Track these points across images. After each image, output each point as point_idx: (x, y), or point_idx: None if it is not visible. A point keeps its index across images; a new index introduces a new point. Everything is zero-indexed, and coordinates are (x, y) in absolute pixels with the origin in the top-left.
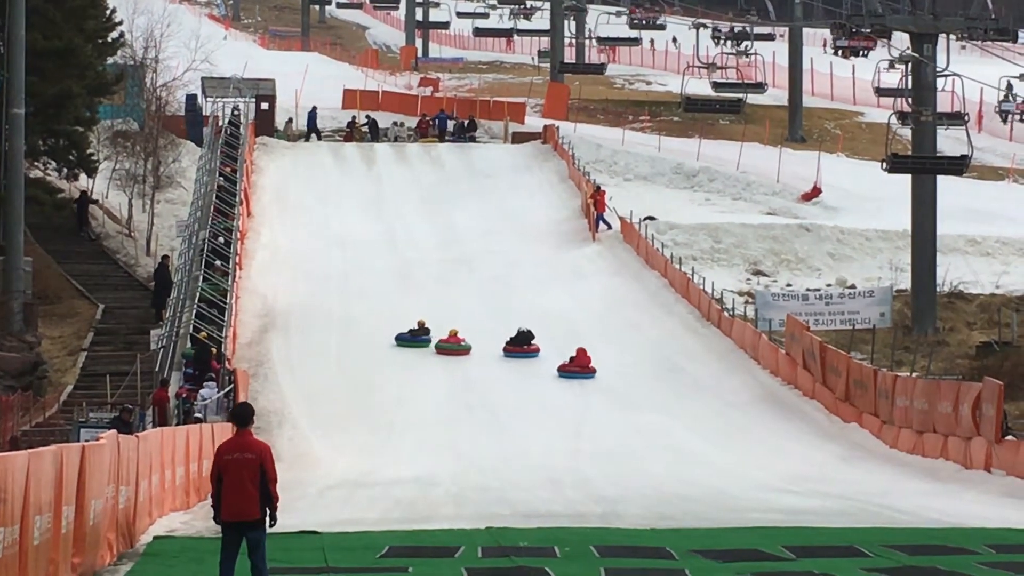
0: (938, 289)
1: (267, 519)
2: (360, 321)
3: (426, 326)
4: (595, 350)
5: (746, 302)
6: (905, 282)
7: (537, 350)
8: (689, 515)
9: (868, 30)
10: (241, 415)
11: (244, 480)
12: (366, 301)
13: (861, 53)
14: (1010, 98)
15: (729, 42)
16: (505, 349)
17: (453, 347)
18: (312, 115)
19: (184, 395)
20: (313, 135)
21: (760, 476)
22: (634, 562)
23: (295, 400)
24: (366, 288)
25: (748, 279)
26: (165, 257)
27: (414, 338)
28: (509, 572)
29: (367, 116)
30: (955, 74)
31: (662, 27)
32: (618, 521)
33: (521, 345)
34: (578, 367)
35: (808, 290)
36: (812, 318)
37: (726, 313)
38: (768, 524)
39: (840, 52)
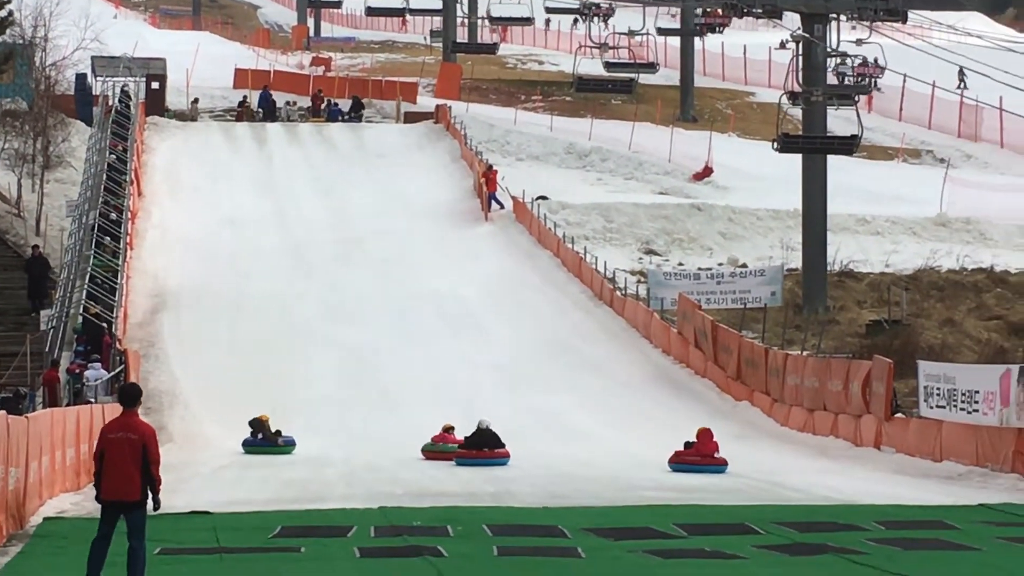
0: (828, 268)
1: (149, 501)
2: (252, 301)
3: (270, 427)
4: (488, 330)
5: (638, 281)
6: (796, 261)
7: (507, 455)
8: (581, 493)
9: (759, 10)
10: (128, 395)
11: (126, 460)
12: (258, 281)
13: (717, 29)
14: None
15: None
16: (461, 454)
17: (444, 449)
18: (265, 95)
19: (76, 371)
20: (269, 115)
21: (652, 454)
22: (527, 540)
23: (186, 380)
24: (258, 268)
25: (640, 258)
26: (35, 248)
27: (264, 443)
28: (402, 551)
29: (265, 87)
30: (844, 54)
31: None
32: (511, 500)
33: (481, 448)
34: (697, 456)
35: (700, 269)
36: (704, 297)
37: (618, 292)
38: (660, 502)
39: (698, 28)
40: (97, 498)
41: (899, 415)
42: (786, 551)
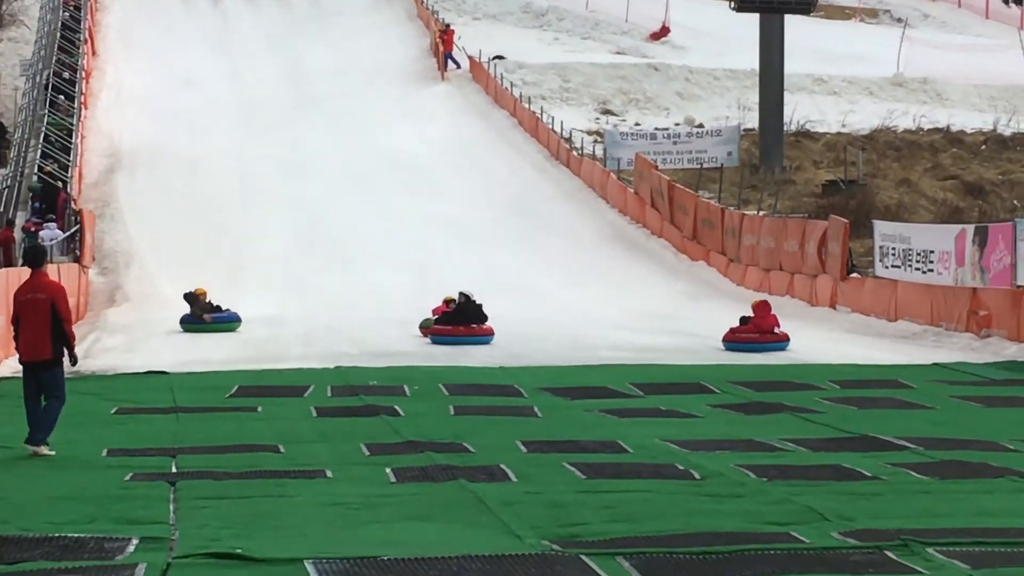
0: (785, 128)
1: (66, 359)
2: (207, 161)
3: (207, 301)
4: (444, 189)
5: (595, 141)
6: (752, 121)
7: (491, 332)
8: (538, 353)
9: None
10: (32, 257)
11: (37, 321)
12: (213, 140)
13: None
14: None
15: None
16: (437, 331)
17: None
18: None
19: (32, 229)
20: None
21: (608, 314)
22: (483, 400)
23: (142, 240)
24: (213, 128)
25: (597, 118)
26: None
27: (196, 321)
28: (359, 410)
29: None
30: None
31: None
32: (467, 360)
33: (467, 323)
34: (756, 333)
35: (656, 129)
36: (660, 157)
37: (575, 152)
38: (616, 362)
39: None
40: (20, 360)
41: (855, 275)
42: (741, 410)
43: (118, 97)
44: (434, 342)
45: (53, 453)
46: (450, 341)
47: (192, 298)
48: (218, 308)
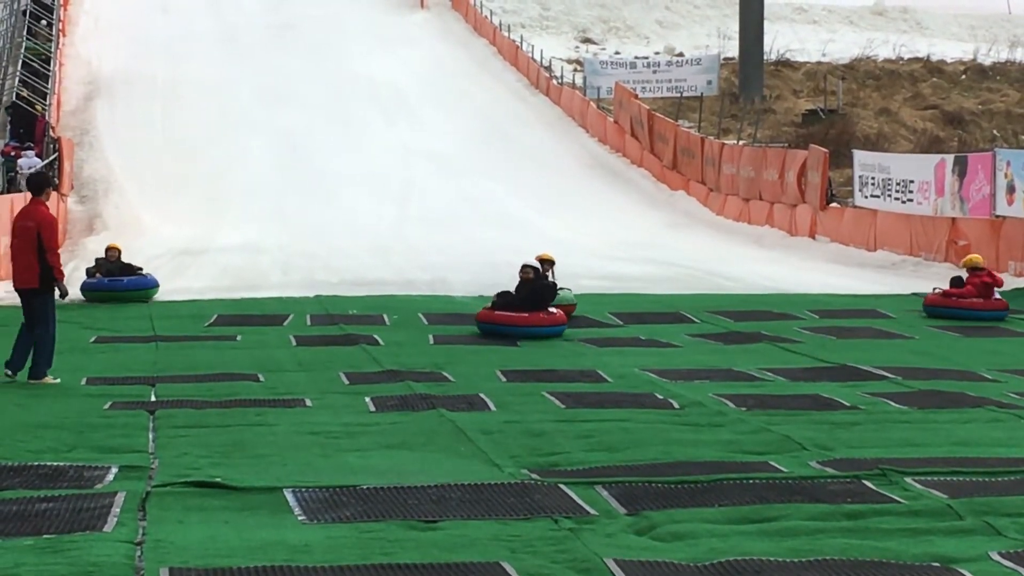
0: (765, 57)
1: (55, 291)
2: (185, 88)
3: (119, 258)
4: (423, 118)
5: (575, 70)
6: (732, 50)
7: (563, 320)
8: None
9: None
10: (33, 183)
11: (25, 248)
12: (191, 67)
13: None
14: None
15: None
16: (501, 318)
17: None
18: None
19: (11, 153)
20: None
21: (588, 243)
22: (463, 329)
23: (121, 168)
24: (191, 54)
25: (577, 47)
26: None
27: (112, 283)
28: (338, 339)
29: None
30: None
31: None
32: (446, 289)
33: (535, 307)
34: (975, 295)
35: (636, 58)
36: (640, 86)
37: (555, 81)
38: (596, 291)
39: None
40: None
41: (834, 204)
42: (720, 339)
43: (96, 24)
44: (482, 331)
45: (57, 380)
46: (505, 331)
47: (100, 261)
48: (130, 269)
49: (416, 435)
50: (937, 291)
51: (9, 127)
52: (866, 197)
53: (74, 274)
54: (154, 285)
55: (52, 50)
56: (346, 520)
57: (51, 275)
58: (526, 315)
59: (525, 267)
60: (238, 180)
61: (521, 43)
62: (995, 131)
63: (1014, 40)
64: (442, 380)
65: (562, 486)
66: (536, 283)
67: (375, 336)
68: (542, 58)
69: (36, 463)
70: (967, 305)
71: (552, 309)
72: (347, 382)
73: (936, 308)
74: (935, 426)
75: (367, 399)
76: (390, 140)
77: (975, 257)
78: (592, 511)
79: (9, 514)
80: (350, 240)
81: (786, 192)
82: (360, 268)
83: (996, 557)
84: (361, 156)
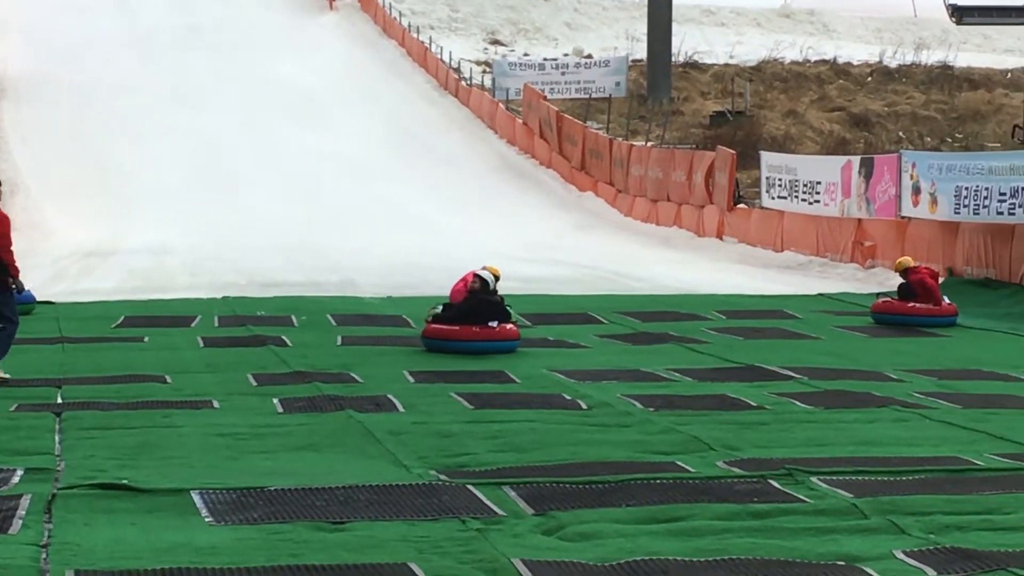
0: (673, 59)
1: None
2: (94, 89)
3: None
4: (333, 120)
5: (483, 71)
6: (641, 52)
7: (516, 335)
8: (426, 283)
9: None
10: None
11: None
12: (100, 69)
13: None
14: None
15: None
16: (445, 332)
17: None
18: None
19: None
20: None
21: (497, 245)
22: (371, 330)
23: (28, 169)
24: (99, 56)
25: (485, 48)
26: None
27: None
28: (246, 341)
29: None
30: None
31: None
32: (354, 290)
33: (482, 320)
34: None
35: (545, 59)
36: (548, 87)
37: (464, 83)
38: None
39: None
40: None
41: (741, 205)
42: (628, 340)
43: (5, 25)
44: (427, 347)
45: (7, 376)
46: (451, 347)
47: None
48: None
49: (324, 436)
50: (884, 299)
51: None
52: (773, 198)
53: None
54: (30, 300)
55: None
56: (253, 522)
57: (7, 272)
58: (474, 328)
59: (474, 280)
60: (147, 182)
61: (430, 44)
62: (901, 133)
63: (919, 42)
64: (350, 381)
65: (470, 487)
66: (482, 296)
67: (283, 337)
68: (451, 60)
69: None
70: (917, 312)
71: (492, 324)
72: (255, 383)
73: (884, 316)
74: (841, 426)
75: (275, 400)
76: (300, 142)
77: (905, 259)
78: (500, 511)
79: None
80: (259, 242)
81: (694, 193)
82: (269, 270)
83: (900, 555)
84: (270, 158)
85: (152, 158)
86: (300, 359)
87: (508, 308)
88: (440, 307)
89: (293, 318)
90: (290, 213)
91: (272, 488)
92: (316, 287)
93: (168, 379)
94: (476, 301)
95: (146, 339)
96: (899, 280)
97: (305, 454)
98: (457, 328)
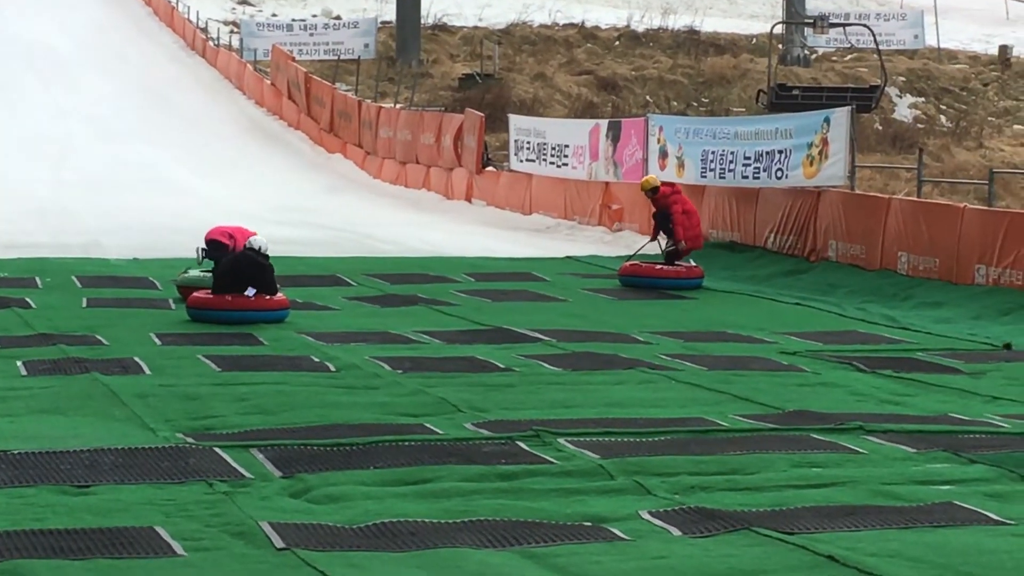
0: (422, 21)
1: None
2: None
3: None
4: (79, 80)
5: (231, 32)
6: (390, 13)
7: (285, 304)
8: (174, 246)
9: None
10: None
11: None
12: None
13: None
14: None
15: None
16: (202, 302)
17: None
18: None
19: None
20: None
21: (246, 206)
22: (116, 292)
23: None
24: None
25: (233, 8)
26: None
27: None
28: None
29: None
30: None
31: None
32: (100, 251)
33: (235, 288)
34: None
35: (293, 20)
36: (297, 48)
37: (211, 43)
38: None
39: None
40: None
41: (490, 168)
42: (377, 302)
43: None
44: (192, 317)
45: None
46: (214, 316)
47: None
48: None
49: (69, 399)
50: (633, 262)
51: None
52: (521, 161)
53: None
54: None
55: None
56: None
57: None
58: (231, 298)
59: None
60: None
61: (177, 4)
62: (648, 97)
63: (666, 7)
64: (96, 344)
65: (217, 449)
66: (243, 263)
67: (27, 299)
68: (198, 19)
69: None
70: (664, 274)
71: (249, 292)
72: None
73: (631, 278)
74: (588, 388)
75: (18, 363)
76: (45, 102)
77: (651, 178)
78: (247, 474)
79: None
80: (2, 203)
81: (443, 156)
82: (13, 231)
83: (646, 516)
84: (15, 118)
85: None
86: (44, 321)
87: (271, 278)
88: (188, 270)
89: (37, 280)
90: (37, 175)
91: (15, 452)
92: (62, 248)
93: None
94: (243, 260)
95: None
96: (644, 239)
97: (49, 417)
98: (213, 297)
